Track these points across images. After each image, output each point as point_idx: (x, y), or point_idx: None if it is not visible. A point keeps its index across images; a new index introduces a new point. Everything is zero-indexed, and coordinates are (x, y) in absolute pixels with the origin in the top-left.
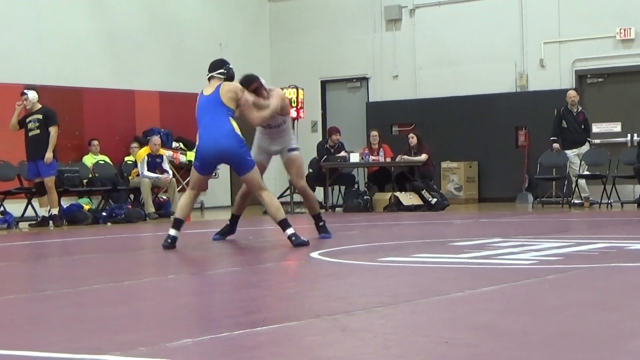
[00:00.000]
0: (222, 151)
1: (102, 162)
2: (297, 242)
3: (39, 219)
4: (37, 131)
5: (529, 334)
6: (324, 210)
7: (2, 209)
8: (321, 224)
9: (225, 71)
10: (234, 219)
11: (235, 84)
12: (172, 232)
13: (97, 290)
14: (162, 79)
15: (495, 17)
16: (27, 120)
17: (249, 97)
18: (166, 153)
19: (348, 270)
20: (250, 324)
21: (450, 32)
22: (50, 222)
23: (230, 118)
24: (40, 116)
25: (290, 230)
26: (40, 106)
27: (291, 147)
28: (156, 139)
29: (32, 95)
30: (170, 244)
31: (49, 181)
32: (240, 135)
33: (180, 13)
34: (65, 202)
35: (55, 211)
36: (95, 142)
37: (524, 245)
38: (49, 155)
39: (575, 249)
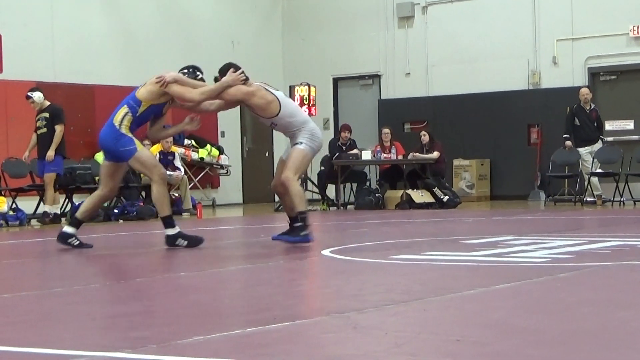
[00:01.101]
0: (99, 140)
1: None
2: (171, 244)
3: (50, 216)
4: (45, 130)
5: (541, 332)
6: (336, 208)
7: (14, 206)
8: (299, 224)
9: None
10: (292, 220)
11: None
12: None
13: (108, 287)
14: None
15: (508, 14)
16: (37, 118)
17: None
18: (178, 150)
19: (359, 268)
20: (261, 321)
21: (462, 30)
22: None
23: (124, 107)
24: (47, 114)
25: (170, 231)
26: (48, 104)
27: (296, 141)
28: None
29: (37, 96)
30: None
31: (48, 178)
32: (117, 126)
33: (192, 10)
34: (78, 199)
35: (47, 208)
36: None
37: (536, 243)
38: (50, 153)
39: (588, 247)
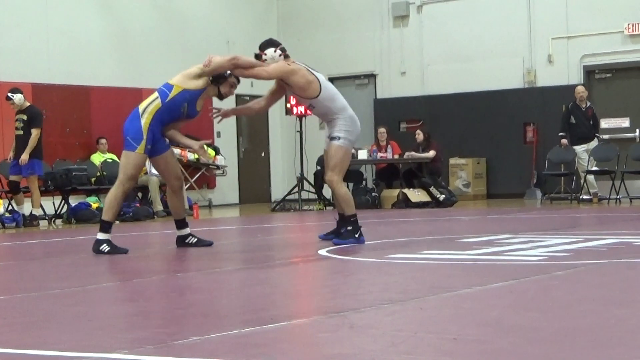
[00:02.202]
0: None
1: (110, 160)
2: (96, 249)
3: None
4: (21, 132)
5: (538, 330)
6: (331, 207)
7: (10, 207)
8: (349, 228)
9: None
10: (341, 218)
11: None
12: None
13: (105, 288)
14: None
15: (503, 13)
16: (15, 119)
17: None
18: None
19: (356, 267)
20: (258, 321)
21: (457, 28)
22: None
23: (154, 93)
24: (25, 117)
25: (102, 235)
26: (27, 105)
27: (332, 135)
28: None
29: (17, 98)
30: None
31: (30, 181)
32: (140, 112)
33: (187, 11)
34: (74, 201)
35: (36, 211)
36: (103, 141)
37: (533, 242)
38: (25, 156)
39: (584, 245)
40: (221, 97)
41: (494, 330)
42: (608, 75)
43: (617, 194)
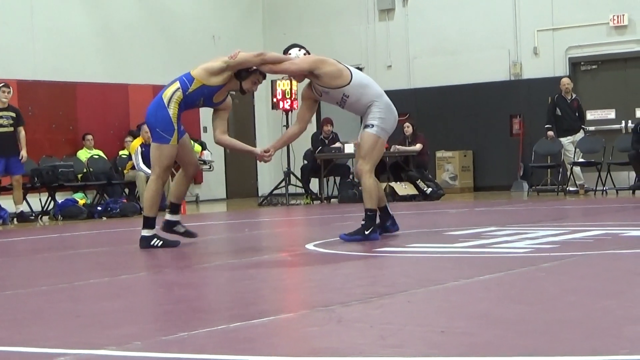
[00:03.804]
0: (146, 114)
1: (97, 156)
2: (145, 245)
3: (32, 215)
4: (11, 129)
5: (526, 322)
6: (319, 201)
7: None
8: (363, 222)
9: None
10: (382, 211)
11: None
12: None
13: (92, 284)
14: (155, 73)
15: (488, 5)
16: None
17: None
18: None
19: (344, 261)
20: (246, 316)
21: (443, 21)
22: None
23: (176, 83)
24: (13, 114)
25: (147, 232)
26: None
27: (366, 122)
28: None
29: (10, 94)
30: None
31: (18, 179)
32: (165, 103)
33: (173, 6)
34: (60, 197)
35: (21, 208)
36: (90, 137)
37: (520, 234)
38: (25, 154)
39: (571, 237)
40: (243, 92)
41: (482, 323)
42: (593, 67)
43: (604, 186)
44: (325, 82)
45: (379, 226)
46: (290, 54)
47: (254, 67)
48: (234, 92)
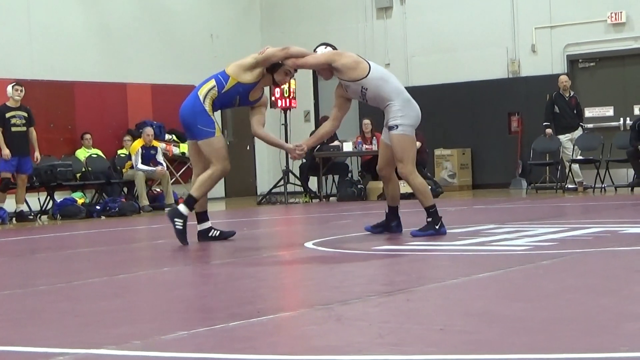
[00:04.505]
0: (180, 112)
1: (95, 155)
2: (170, 217)
3: (32, 215)
4: (24, 128)
5: (525, 319)
6: (318, 200)
7: None
8: (429, 219)
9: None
10: (391, 211)
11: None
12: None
13: (91, 284)
14: (153, 72)
15: (486, 3)
16: (10, 115)
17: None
18: (160, 145)
19: (342, 259)
20: (245, 315)
21: (441, 19)
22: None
23: (212, 81)
24: (25, 114)
25: (182, 208)
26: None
27: (390, 124)
28: (149, 130)
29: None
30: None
31: (24, 178)
32: (201, 100)
33: (171, 4)
34: (59, 197)
35: (22, 207)
36: (88, 136)
37: (519, 231)
38: (39, 155)
39: (570, 234)
40: (277, 85)
41: (481, 321)
42: (591, 64)
43: (602, 183)
44: (344, 75)
45: (381, 225)
46: (316, 51)
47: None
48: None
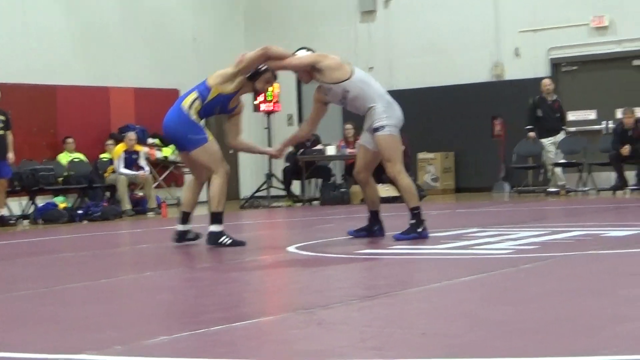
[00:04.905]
0: (164, 126)
1: (78, 159)
2: (213, 242)
3: (13, 219)
4: (2, 132)
5: (507, 323)
6: (301, 204)
7: None
8: (412, 221)
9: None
10: (372, 215)
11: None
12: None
13: (73, 289)
14: (136, 75)
15: (469, 6)
16: None
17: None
18: (142, 149)
19: (325, 263)
20: (227, 319)
21: (424, 23)
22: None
23: (194, 92)
24: (3, 117)
25: (216, 227)
26: None
27: (374, 126)
28: (132, 135)
29: None
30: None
31: (3, 183)
32: (185, 111)
33: (153, 8)
34: (41, 201)
35: (1, 212)
36: (70, 140)
37: (501, 235)
38: (13, 156)
39: (552, 237)
40: (257, 93)
41: (463, 324)
42: (574, 68)
43: (585, 186)
44: (326, 76)
45: (364, 229)
46: (296, 54)
47: (265, 67)
48: None
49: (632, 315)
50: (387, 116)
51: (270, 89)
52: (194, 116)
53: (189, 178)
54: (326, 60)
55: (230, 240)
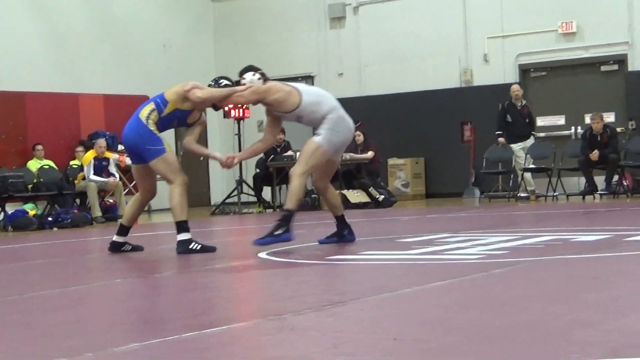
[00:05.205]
0: (123, 136)
1: (47, 166)
2: (183, 250)
3: None
4: None
5: (478, 327)
6: (272, 210)
7: None
8: (278, 221)
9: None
10: (338, 220)
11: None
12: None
13: (43, 296)
14: (106, 82)
15: (438, 13)
16: None
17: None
18: (112, 156)
19: (296, 269)
20: (199, 326)
21: (394, 29)
22: None
23: (151, 104)
24: None
25: (184, 236)
26: None
27: (316, 131)
28: (101, 142)
29: None
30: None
31: None
32: (144, 121)
33: (123, 15)
34: (10, 208)
35: None
36: (40, 147)
37: (472, 240)
38: None
39: (522, 242)
40: (216, 108)
41: (435, 329)
42: (543, 73)
43: (554, 191)
44: (276, 108)
45: (334, 235)
46: (244, 77)
47: (224, 82)
48: None
49: (596, 320)
50: (330, 130)
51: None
52: (152, 127)
53: (159, 184)
54: (271, 95)
55: (199, 246)
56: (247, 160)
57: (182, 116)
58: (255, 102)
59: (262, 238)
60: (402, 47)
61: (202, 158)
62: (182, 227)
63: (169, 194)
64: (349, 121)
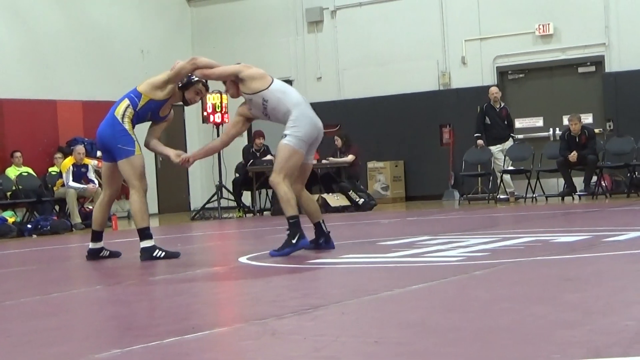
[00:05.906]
0: (98, 134)
1: (26, 173)
2: (147, 257)
3: None
4: None
5: (459, 329)
6: (252, 214)
7: None
8: (288, 231)
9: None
10: (315, 227)
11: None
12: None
13: (23, 303)
14: (84, 88)
15: (416, 16)
16: None
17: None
18: (91, 162)
19: (277, 274)
20: (180, 331)
21: (372, 33)
22: None
23: (125, 100)
24: None
25: (147, 243)
26: None
27: (284, 132)
28: (80, 148)
29: None
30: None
31: None
32: (119, 119)
33: (100, 20)
34: None
35: None
36: (18, 154)
37: (452, 242)
38: None
39: (502, 244)
40: (186, 103)
41: (416, 332)
42: (521, 75)
43: (533, 193)
44: (247, 86)
45: (312, 242)
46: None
47: (196, 78)
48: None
49: (577, 321)
50: (295, 126)
51: (218, 100)
52: (127, 125)
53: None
54: (249, 70)
55: (163, 253)
56: (225, 164)
57: (155, 107)
58: (232, 75)
59: (279, 250)
60: (380, 50)
61: (161, 159)
62: (144, 234)
63: (130, 200)
64: (314, 118)
